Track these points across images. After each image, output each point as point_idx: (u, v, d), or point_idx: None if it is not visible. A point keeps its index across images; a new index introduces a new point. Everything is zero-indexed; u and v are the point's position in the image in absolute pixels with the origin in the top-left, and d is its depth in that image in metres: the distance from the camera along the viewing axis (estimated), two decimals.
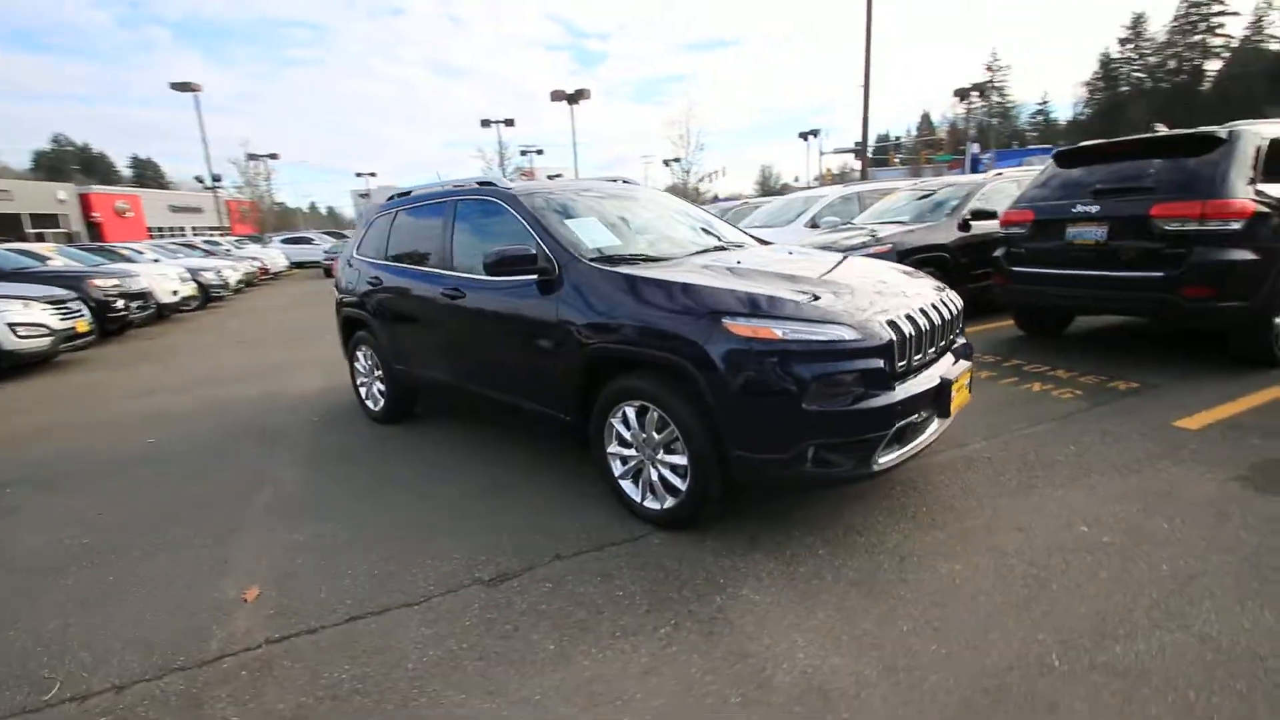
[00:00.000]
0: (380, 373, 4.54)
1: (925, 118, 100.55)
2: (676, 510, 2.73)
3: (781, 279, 2.78)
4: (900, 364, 2.49)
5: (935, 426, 2.75)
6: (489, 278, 3.45)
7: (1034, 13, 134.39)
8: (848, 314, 2.47)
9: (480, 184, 3.84)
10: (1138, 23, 71.86)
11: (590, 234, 3.30)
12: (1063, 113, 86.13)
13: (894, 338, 2.45)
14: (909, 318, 2.56)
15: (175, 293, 12.22)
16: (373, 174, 60.21)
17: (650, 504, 2.84)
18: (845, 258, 3.41)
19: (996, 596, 2.22)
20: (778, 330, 2.39)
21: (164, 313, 11.92)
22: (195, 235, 29.15)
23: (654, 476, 2.80)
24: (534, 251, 3.11)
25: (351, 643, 2.21)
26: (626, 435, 2.86)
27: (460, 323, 3.65)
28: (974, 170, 26.23)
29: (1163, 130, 5.39)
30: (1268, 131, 4.55)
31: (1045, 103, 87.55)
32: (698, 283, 2.65)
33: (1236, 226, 4.19)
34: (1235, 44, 68.37)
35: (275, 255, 24.41)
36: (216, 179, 34.39)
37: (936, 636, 2.05)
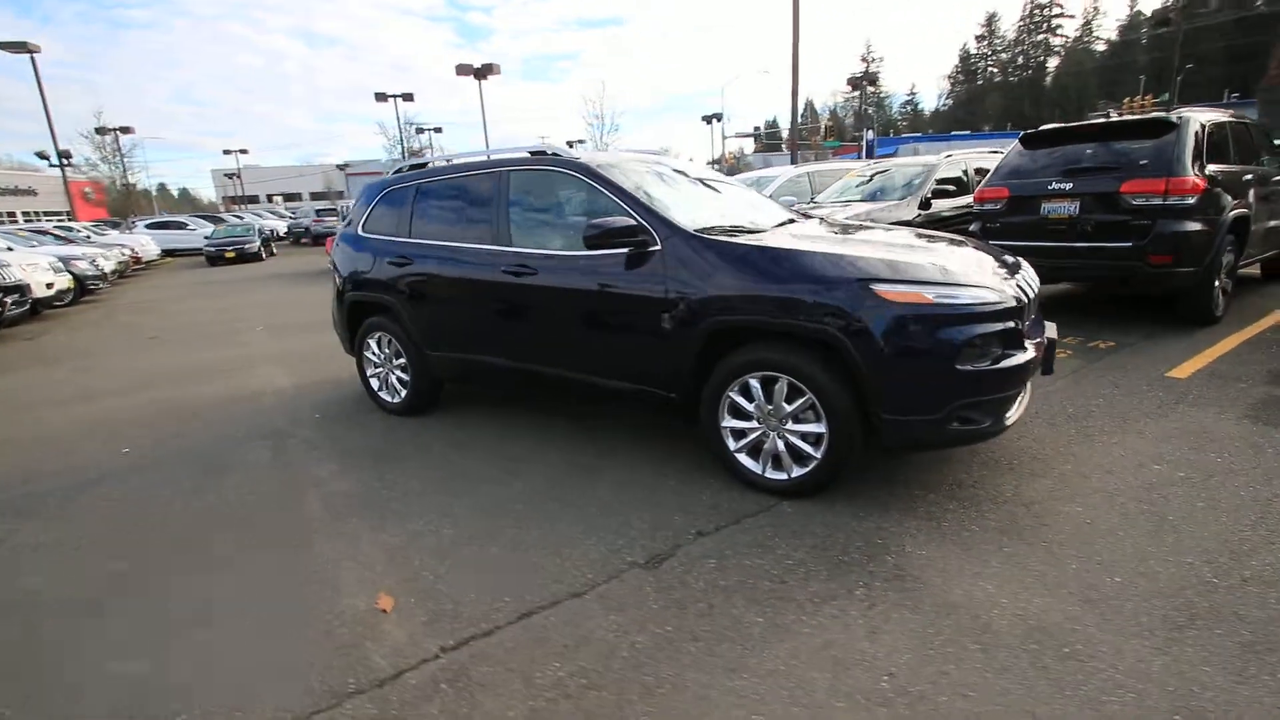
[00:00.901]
0: (403, 361, 4.19)
1: (809, 105, 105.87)
2: (806, 479, 2.77)
3: (895, 247, 2.86)
4: (1025, 324, 2.66)
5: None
6: (569, 253, 3.29)
7: (904, 10, 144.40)
8: (983, 278, 2.60)
9: (534, 153, 3.62)
10: (991, 21, 79.33)
11: (673, 206, 3.21)
12: (929, 103, 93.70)
13: (1024, 299, 2.61)
14: (1026, 280, 2.74)
15: (50, 285, 10.53)
16: (243, 151, 54.93)
17: (774, 475, 2.86)
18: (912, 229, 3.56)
19: (1130, 530, 2.46)
20: (928, 294, 2.47)
21: (37, 308, 10.25)
22: (30, 221, 25.13)
23: (780, 447, 2.81)
24: (634, 223, 2.99)
25: (543, 639, 2.07)
26: (748, 407, 2.85)
27: (529, 302, 3.44)
28: (869, 155, 28.00)
29: (1115, 115, 6.04)
30: (1204, 118, 5.23)
31: (914, 94, 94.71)
32: (838, 251, 2.68)
33: (1191, 201, 4.81)
34: (1069, 44, 77.26)
35: (145, 242, 21.60)
36: (65, 156, 29.73)
37: (1105, 570, 2.23)
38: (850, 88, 32.56)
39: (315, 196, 58.56)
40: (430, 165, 4.24)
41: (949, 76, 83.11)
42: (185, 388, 5.57)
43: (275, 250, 23.81)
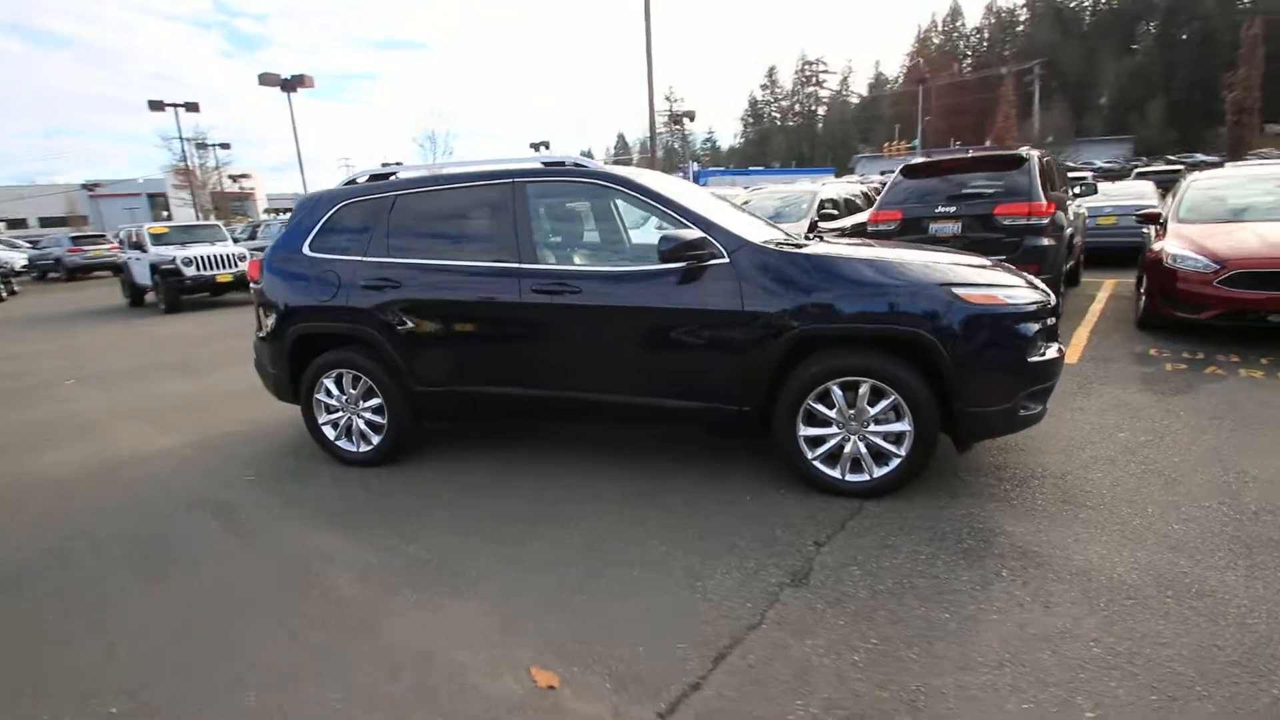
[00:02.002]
0: (376, 401, 3.59)
1: (620, 138, 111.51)
2: (890, 477, 2.89)
3: (940, 257, 3.13)
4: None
5: None
6: (621, 269, 3.12)
7: (703, 56, 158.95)
8: (1022, 281, 2.95)
9: (549, 164, 3.36)
10: (772, 73, 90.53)
11: (720, 219, 3.18)
12: (725, 141, 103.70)
13: (1054, 299, 3.01)
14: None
15: None
16: None
17: (854, 478, 2.94)
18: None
19: (1148, 487, 2.91)
20: (1001, 295, 2.75)
21: None
22: None
23: (861, 449, 2.90)
24: (701, 236, 2.91)
25: (762, 680, 1.90)
26: (829, 414, 2.90)
27: (569, 323, 3.16)
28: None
29: (971, 152, 7.21)
30: (1038, 154, 6.48)
31: (712, 133, 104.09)
32: (916, 259, 2.85)
33: (1046, 221, 5.91)
34: (832, 96, 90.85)
35: None
36: None
37: (1162, 521, 2.62)
38: (674, 123, 34.99)
39: (50, 223, 47.91)
40: (397, 177, 3.73)
41: (741, 119, 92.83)
42: (23, 458, 4.21)
43: (16, 288, 18.96)
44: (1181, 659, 1.88)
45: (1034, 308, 2.81)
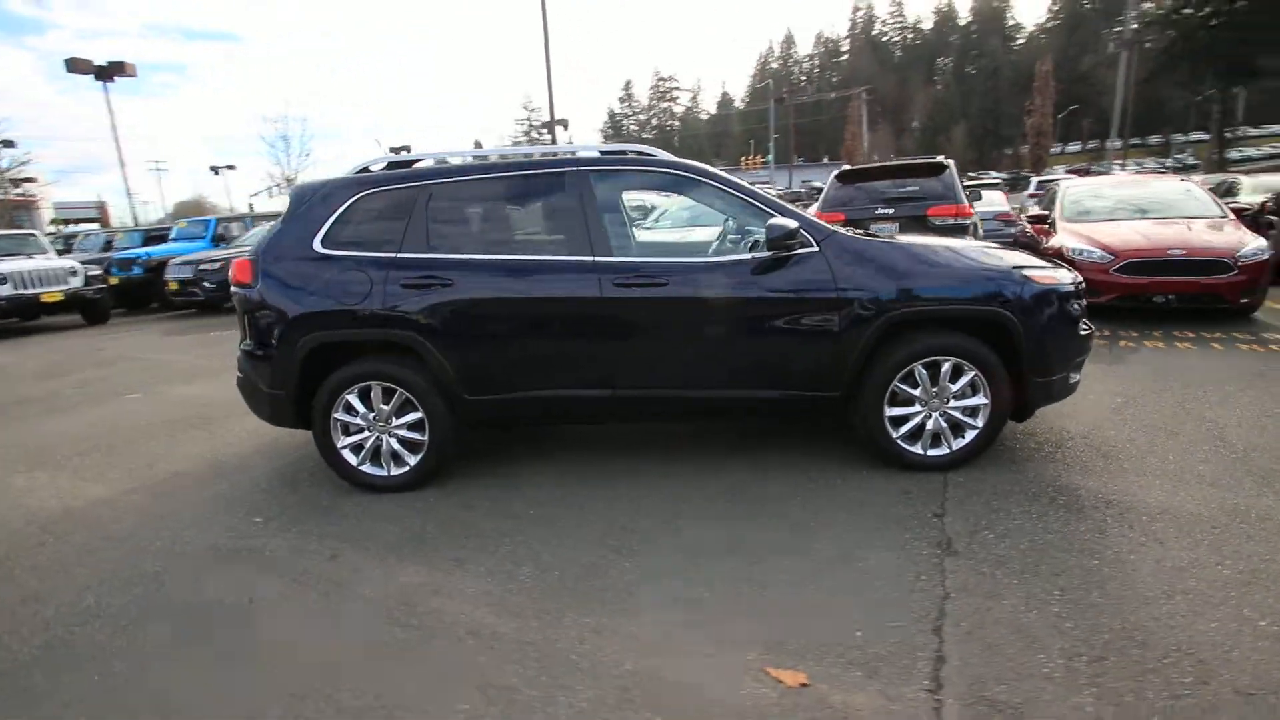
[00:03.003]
0: (415, 416, 3.18)
1: (477, 144, 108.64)
2: (969, 447, 3.10)
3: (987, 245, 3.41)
4: None
5: None
6: (710, 259, 3.05)
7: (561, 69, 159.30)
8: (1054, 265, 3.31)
9: (608, 153, 3.22)
10: (628, 87, 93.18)
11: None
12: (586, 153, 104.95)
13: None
14: None
15: None
16: None
17: (935, 452, 3.12)
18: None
19: (1161, 442, 3.39)
20: (1058, 275, 3.06)
21: None
22: None
23: (943, 424, 3.09)
24: (798, 225, 2.94)
25: (992, 645, 1.95)
26: (913, 393, 3.05)
27: (655, 318, 3.03)
28: None
29: (895, 160, 7.92)
30: (952, 162, 7.29)
31: (571, 142, 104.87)
32: (984, 246, 3.08)
33: (969, 221, 6.67)
34: (685, 113, 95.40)
35: None
36: None
37: (1189, 468, 3.06)
38: (547, 130, 34.53)
39: None
40: (426, 164, 3.35)
41: (600, 130, 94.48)
42: None
43: None
44: None
45: (1076, 287, 3.17)
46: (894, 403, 3.09)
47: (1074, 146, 61.65)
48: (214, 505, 3.31)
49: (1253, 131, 45.99)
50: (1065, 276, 3.14)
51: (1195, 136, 43.26)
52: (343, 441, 3.27)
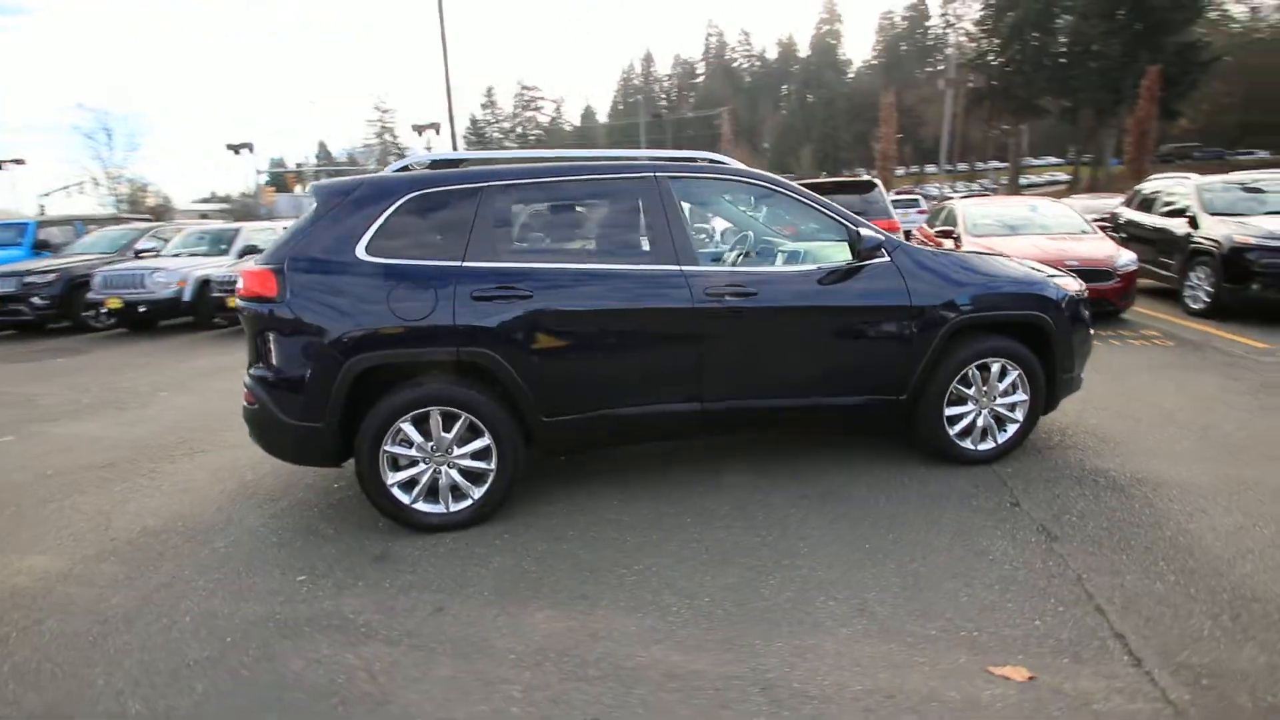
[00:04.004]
0: (481, 443, 2.85)
1: (322, 146, 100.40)
2: (1011, 441, 3.39)
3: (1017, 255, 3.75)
4: None
5: None
6: (794, 269, 3.09)
7: (414, 69, 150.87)
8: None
9: (678, 159, 3.13)
10: (490, 93, 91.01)
11: None
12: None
13: None
14: None
15: None
16: None
17: (984, 447, 3.38)
18: None
19: (1154, 424, 3.94)
20: (1074, 283, 3.45)
21: None
22: None
23: (991, 421, 3.35)
24: (883, 237, 3.05)
25: (1170, 618, 2.13)
26: (968, 393, 3.29)
27: (745, 329, 2.98)
28: None
29: (825, 179, 8.46)
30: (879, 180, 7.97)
31: (430, 148, 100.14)
32: (1004, 258, 3.38)
33: (901, 237, 7.31)
34: (550, 123, 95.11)
35: None
36: None
37: (1195, 439, 3.59)
38: (417, 132, 32.39)
39: None
40: (469, 163, 3.04)
41: (465, 137, 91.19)
42: None
43: None
44: None
45: (1085, 293, 3.60)
46: (950, 403, 3.31)
47: (899, 171, 70.27)
48: (228, 567, 2.74)
49: (1035, 161, 55.27)
50: (1077, 284, 3.56)
51: (994, 164, 51.11)
52: (395, 477, 2.86)
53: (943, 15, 77.85)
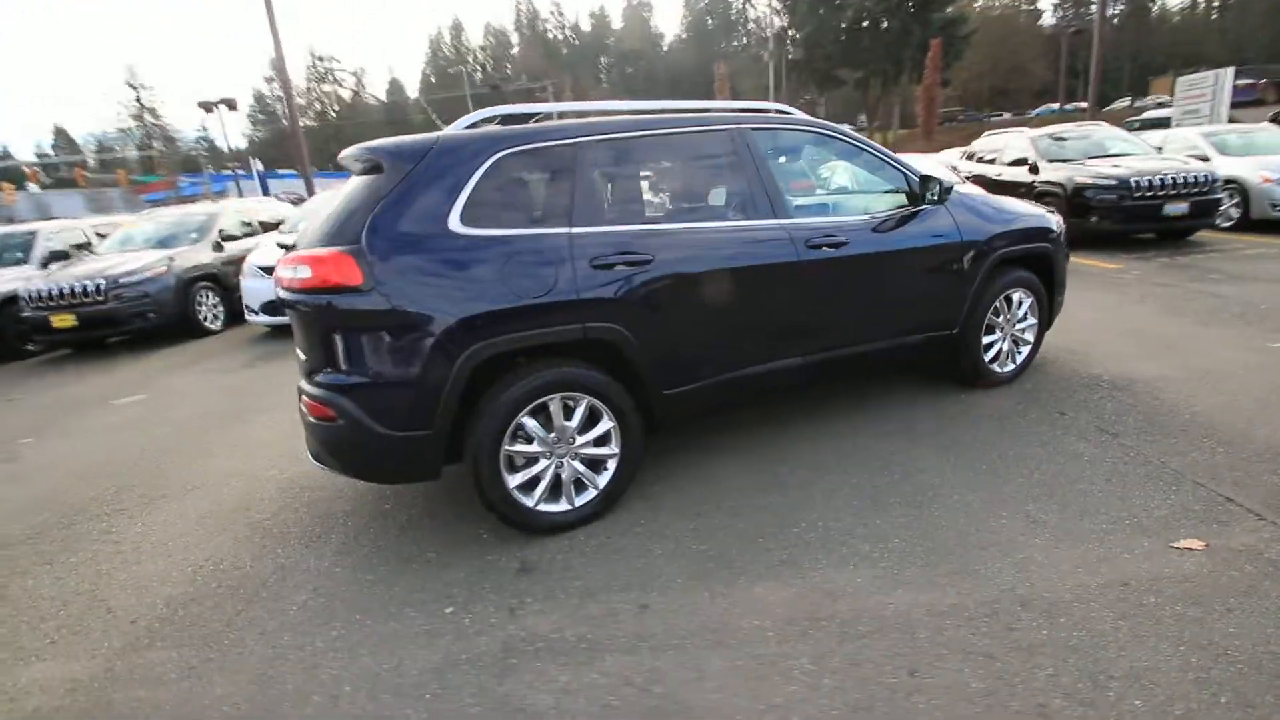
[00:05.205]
0: (606, 427, 2.61)
1: (61, 133, 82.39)
2: (1024, 363, 3.84)
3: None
4: None
5: None
6: (877, 215, 3.15)
7: (170, 40, 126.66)
8: None
9: (750, 110, 3.04)
10: (273, 65, 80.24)
11: None
12: (234, 140, 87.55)
13: None
14: None
15: None
16: None
17: (1008, 368, 3.78)
18: None
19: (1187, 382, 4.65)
20: (1059, 217, 3.93)
21: None
22: None
23: (1012, 345, 3.76)
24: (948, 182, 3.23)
25: None
26: (999, 321, 3.65)
27: (840, 279, 3.00)
28: (264, 190, 25.10)
29: None
30: None
31: (206, 129, 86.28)
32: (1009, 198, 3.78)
33: None
34: (354, 97, 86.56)
35: None
36: None
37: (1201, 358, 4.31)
38: (204, 111, 26.91)
39: None
40: (544, 115, 2.69)
41: (249, 115, 79.74)
42: None
43: None
44: None
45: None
46: (993, 330, 3.65)
47: None
48: (338, 620, 2.25)
49: None
50: (1058, 217, 4.07)
51: None
52: (517, 479, 2.52)
53: None
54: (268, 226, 9.47)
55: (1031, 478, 2.77)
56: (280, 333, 7.24)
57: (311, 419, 2.41)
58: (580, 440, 2.62)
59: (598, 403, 2.60)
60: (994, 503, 2.60)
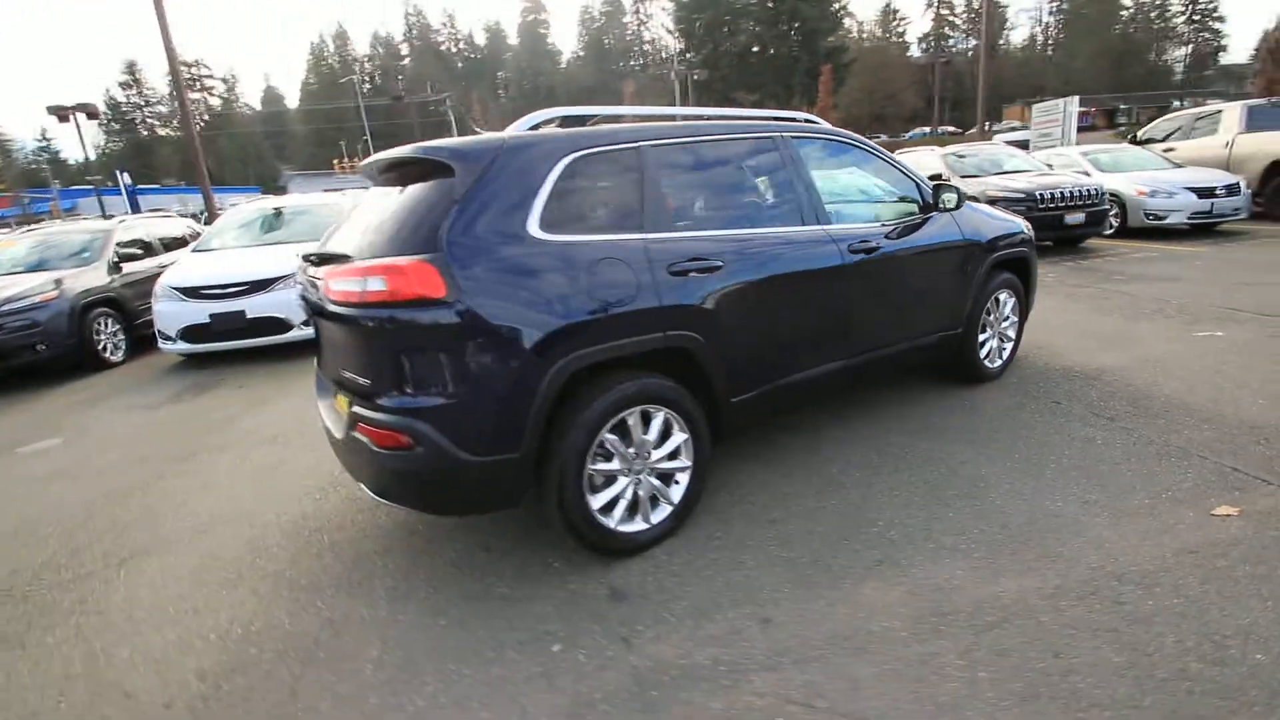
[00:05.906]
0: (681, 438, 2.53)
1: None
2: (1009, 358, 4.14)
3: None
4: None
5: None
6: (900, 220, 3.29)
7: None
8: None
9: (782, 119, 3.09)
10: (133, 70, 72.65)
11: None
12: (77, 153, 78.00)
13: None
14: None
15: None
16: None
17: (996, 364, 4.07)
18: None
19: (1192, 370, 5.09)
20: (1028, 225, 4.30)
21: None
22: None
23: (998, 343, 4.05)
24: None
25: None
26: (990, 320, 3.92)
27: (874, 283, 3.10)
28: (134, 206, 22.40)
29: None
30: None
31: (50, 139, 76.47)
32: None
33: None
34: (224, 105, 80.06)
35: None
36: None
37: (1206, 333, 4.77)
38: (57, 118, 23.11)
39: None
40: (597, 120, 2.60)
41: (101, 124, 71.41)
42: None
43: None
44: None
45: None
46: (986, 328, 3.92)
47: None
48: (426, 674, 2.02)
49: None
50: (1028, 224, 4.44)
51: None
52: (600, 500, 2.38)
53: (635, 13, 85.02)
54: (170, 245, 8.51)
55: (1062, 463, 2.98)
56: (199, 361, 6.49)
57: (376, 448, 2.15)
58: (656, 455, 2.52)
59: (673, 414, 2.51)
60: (1042, 489, 2.77)
